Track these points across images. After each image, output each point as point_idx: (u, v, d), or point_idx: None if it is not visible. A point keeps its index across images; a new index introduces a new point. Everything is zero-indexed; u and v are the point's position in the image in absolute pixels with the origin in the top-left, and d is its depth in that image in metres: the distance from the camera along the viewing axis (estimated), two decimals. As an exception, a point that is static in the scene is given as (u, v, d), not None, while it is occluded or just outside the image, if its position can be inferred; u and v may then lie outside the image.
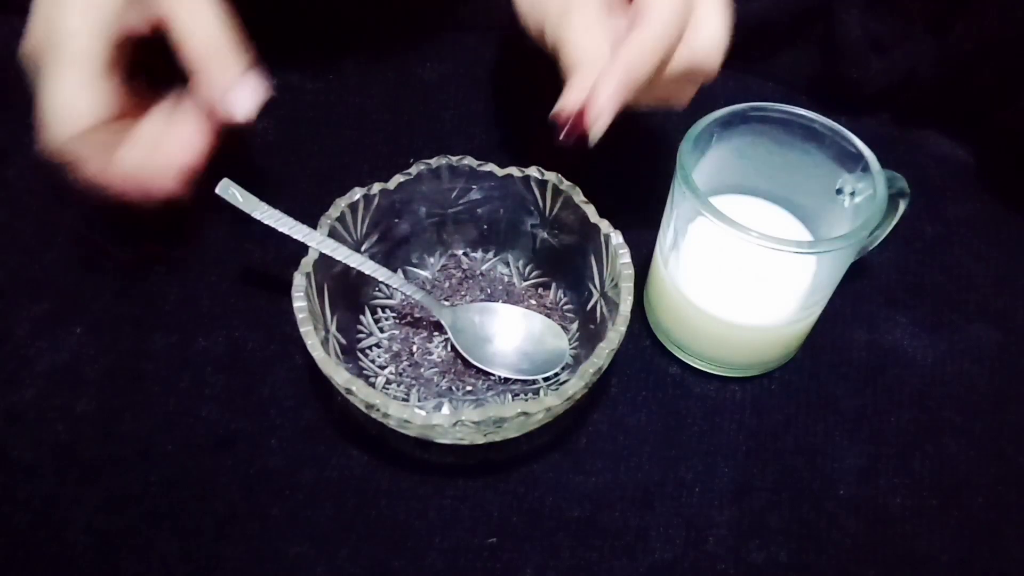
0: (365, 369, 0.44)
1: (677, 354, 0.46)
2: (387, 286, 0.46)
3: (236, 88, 0.39)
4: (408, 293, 0.44)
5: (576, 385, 0.37)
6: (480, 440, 0.39)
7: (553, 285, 0.47)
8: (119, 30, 0.38)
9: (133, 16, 0.38)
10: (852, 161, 0.41)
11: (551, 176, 0.44)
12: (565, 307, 0.47)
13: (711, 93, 0.58)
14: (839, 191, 0.41)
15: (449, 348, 0.45)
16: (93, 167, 0.39)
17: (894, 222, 0.44)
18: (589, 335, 0.44)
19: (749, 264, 0.39)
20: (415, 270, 0.48)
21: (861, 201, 0.40)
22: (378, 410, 0.37)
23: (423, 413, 0.36)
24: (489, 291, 0.47)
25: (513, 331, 0.45)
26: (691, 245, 0.42)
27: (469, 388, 0.44)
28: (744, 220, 0.37)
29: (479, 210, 0.47)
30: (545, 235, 0.47)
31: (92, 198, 0.41)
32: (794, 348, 0.46)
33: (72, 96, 0.38)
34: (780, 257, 0.37)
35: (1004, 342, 0.47)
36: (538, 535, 0.40)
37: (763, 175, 0.44)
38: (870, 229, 0.38)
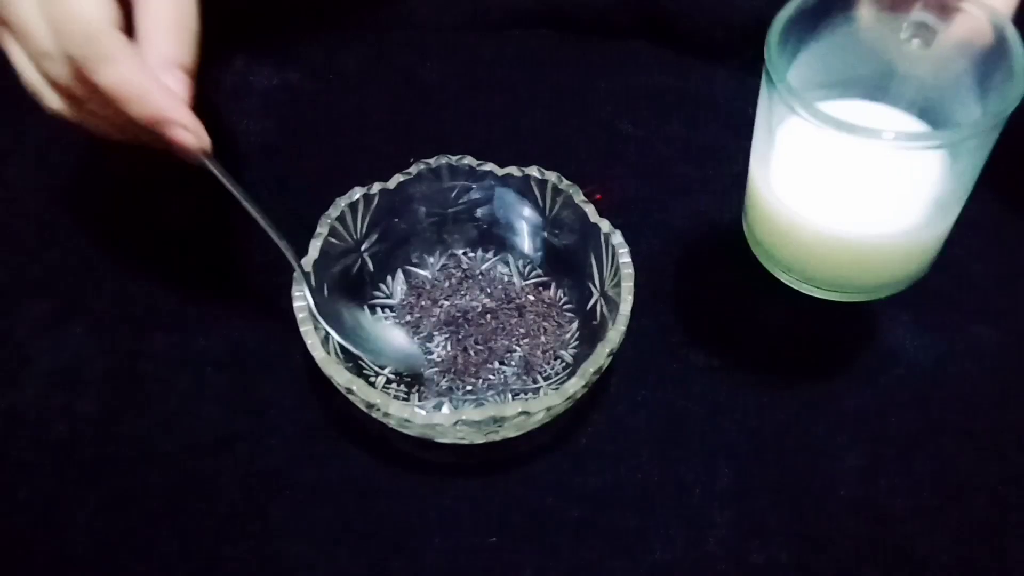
0: (365, 369, 0.44)
1: (798, 286, 0.42)
2: (387, 286, 0.47)
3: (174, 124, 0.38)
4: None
5: (576, 385, 0.37)
6: (480, 440, 0.39)
7: (553, 285, 0.47)
8: None
9: None
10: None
11: (551, 176, 0.44)
12: (565, 307, 0.47)
13: (711, 93, 0.57)
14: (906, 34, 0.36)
15: (449, 348, 0.45)
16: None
17: None
18: (589, 335, 0.44)
19: (862, 167, 0.35)
20: (415, 270, 0.48)
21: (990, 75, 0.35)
22: (378, 410, 0.37)
23: (424, 412, 0.36)
24: (489, 291, 0.47)
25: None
26: (790, 153, 0.38)
27: (469, 388, 0.44)
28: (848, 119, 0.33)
29: (479, 210, 0.47)
30: (545, 235, 0.47)
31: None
32: (927, 262, 0.41)
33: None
34: (904, 156, 0.34)
35: (1004, 342, 0.47)
36: (538, 535, 0.40)
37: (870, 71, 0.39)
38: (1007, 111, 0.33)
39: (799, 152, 0.38)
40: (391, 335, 0.45)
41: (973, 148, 0.35)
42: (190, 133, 0.39)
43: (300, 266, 0.40)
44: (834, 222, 0.38)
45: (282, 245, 0.41)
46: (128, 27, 0.39)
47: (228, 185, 0.40)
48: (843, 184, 0.38)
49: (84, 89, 0.38)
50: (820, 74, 0.39)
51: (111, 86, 0.37)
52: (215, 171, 0.40)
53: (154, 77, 0.38)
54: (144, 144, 0.41)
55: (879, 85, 0.40)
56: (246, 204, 0.40)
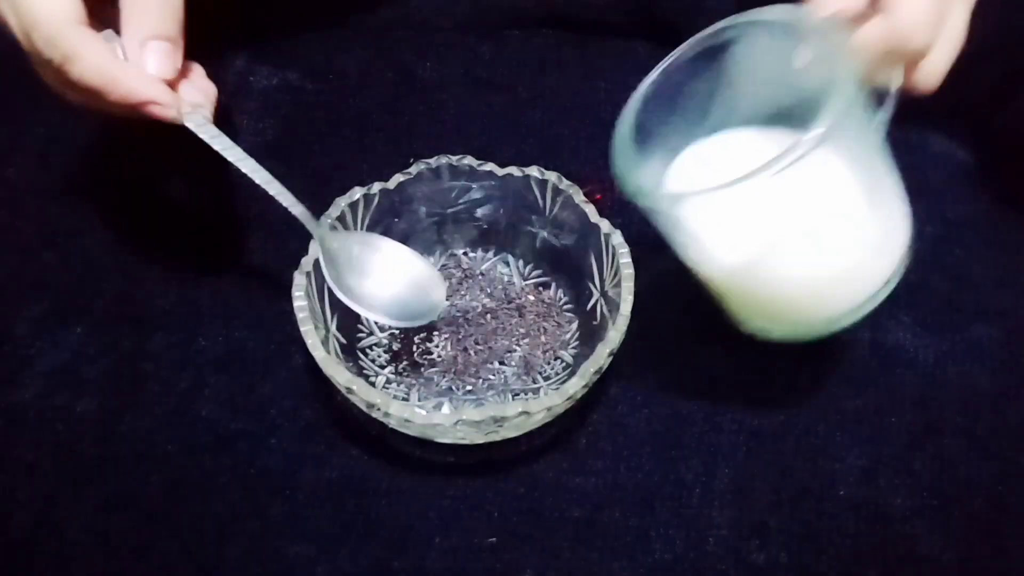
0: (365, 369, 0.44)
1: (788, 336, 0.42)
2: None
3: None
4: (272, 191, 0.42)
5: (576, 385, 0.37)
6: (480, 440, 0.39)
7: (553, 285, 0.47)
8: None
9: None
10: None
11: (551, 176, 0.44)
12: (565, 307, 0.47)
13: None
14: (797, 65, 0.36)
15: (449, 348, 0.45)
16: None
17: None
18: (589, 335, 0.44)
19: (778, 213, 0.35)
20: (415, 270, 0.48)
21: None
22: (379, 409, 0.37)
23: (424, 412, 0.36)
24: (489, 290, 0.47)
25: (393, 273, 0.44)
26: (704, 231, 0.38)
27: (469, 388, 0.44)
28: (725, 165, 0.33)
29: (479, 210, 0.47)
30: (545, 235, 0.47)
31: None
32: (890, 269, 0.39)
33: None
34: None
35: (1005, 342, 0.47)
36: (538, 535, 0.40)
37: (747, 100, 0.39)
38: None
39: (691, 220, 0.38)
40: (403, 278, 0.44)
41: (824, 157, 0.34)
42: (167, 107, 0.39)
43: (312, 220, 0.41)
44: (756, 265, 0.38)
45: (292, 207, 0.41)
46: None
47: (228, 155, 0.40)
48: (745, 230, 0.37)
49: (73, 82, 0.39)
50: (693, 123, 0.39)
51: (81, 81, 0.38)
52: (205, 136, 0.40)
53: (120, 63, 0.39)
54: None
55: (758, 114, 0.39)
56: (243, 167, 0.41)
